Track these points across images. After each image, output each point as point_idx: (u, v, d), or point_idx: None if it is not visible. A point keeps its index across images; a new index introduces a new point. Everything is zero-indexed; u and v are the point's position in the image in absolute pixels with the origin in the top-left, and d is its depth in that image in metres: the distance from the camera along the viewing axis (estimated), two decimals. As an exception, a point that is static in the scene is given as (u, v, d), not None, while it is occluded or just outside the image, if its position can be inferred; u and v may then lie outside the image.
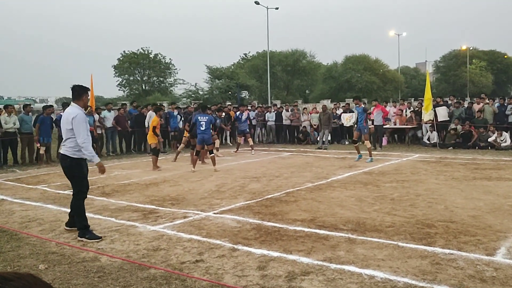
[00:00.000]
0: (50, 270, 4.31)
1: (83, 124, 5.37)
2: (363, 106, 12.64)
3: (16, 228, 5.92)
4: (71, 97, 5.66)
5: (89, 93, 5.74)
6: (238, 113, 16.22)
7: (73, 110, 5.45)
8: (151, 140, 11.63)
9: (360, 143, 12.56)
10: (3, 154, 13.22)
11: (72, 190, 5.70)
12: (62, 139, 5.68)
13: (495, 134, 14.60)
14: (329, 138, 16.95)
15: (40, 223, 6.21)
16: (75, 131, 5.32)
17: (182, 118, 16.56)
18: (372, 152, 12.48)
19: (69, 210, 5.84)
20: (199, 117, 11.05)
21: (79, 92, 5.54)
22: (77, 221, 5.54)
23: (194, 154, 11.32)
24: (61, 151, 5.54)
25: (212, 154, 11.09)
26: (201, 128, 10.83)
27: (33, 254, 4.83)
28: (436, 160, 12.09)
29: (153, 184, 9.21)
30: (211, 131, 11.28)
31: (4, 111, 13.46)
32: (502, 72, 58.77)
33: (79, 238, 5.38)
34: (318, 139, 17.42)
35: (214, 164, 10.92)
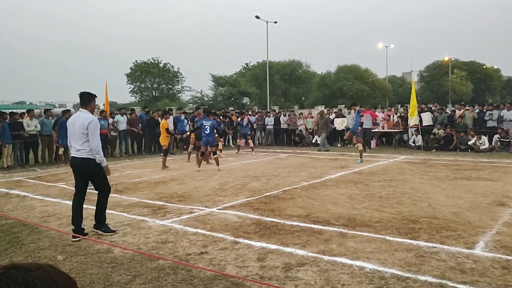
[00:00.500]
0: (67, 261, 4.31)
1: (97, 129, 5.30)
2: (359, 109, 12.67)
3: (36, 222, 5.91)
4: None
5: (96, 99, 5.49)
6: (239, 119, 16.55)
7: (87, 115, 5.31)
8: (163, 142, 11.69)
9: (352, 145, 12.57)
10: (25, 154, 13.25)
11: (97, 190, 5.48)
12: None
13: (475, 138, 14.60)
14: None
15: (58, 217, 6.20)
16: (90, 135, 5.21)
17: (189, 122, 16.54)
18: (362, 154, 12.45)
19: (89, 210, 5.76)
20: (204, 122, 11.06)
21: (88, 99, 5.40)
22: (100, 214, 5.44)
23: (199, 155, 11.31)
24: (80, 154, 5.24)
25: (216, 155, 11.09)
26: (206, 132, 10.84)
27: (52, 246, 4.83)
28: (420, 161, 12.08)
29: (162, 182, 9.20)
30: (215, 134, 11.30)
31: (27, 115, 13.51)
32: (481, 81, 58.70)
33: (94, 230, 5.37)
34: (318, 142, 17.53)
35: (217, 164, 10.94)
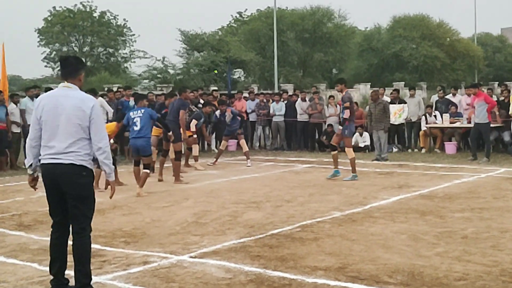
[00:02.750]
0: None
1: (102, 117, 5.33)
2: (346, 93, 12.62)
3: None
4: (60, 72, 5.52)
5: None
6: (218, 112, 16.30)
7: (84, 94, 5.45)
8: None
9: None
10: None
11: (76, 224, 5.32)
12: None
13: None
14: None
15: None
16: (95, 128, 5.25)
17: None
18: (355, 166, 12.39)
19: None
20: (133, 112, 11.22)
21: (76, 67, 5.48)
22: (84, 272, 5.29)
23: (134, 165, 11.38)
24: (67, 159, 5.19)
25: (146, 170, 11.08)
26: (135, 128, 10.96)
27: None
28: (532, 177, 12.09)
29: (97, 212, 9.19)
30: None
31: None
32: None
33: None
34: (361, 144, 17.64)
35: (141, 184, 10.93)
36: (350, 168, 12.36)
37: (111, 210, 9.34)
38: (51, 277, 5.29)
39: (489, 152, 15.28)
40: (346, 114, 12.30)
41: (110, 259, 6.46)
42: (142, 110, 11.07)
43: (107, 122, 12.72)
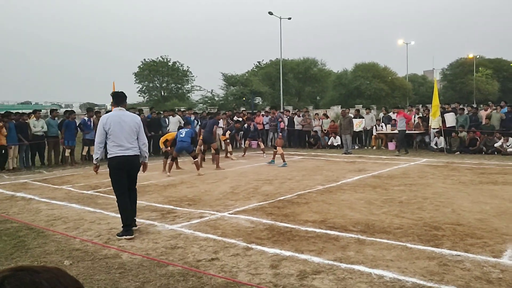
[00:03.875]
0: (74, 266, 4.37)
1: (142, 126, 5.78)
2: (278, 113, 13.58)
3: (42, 226, 6.00)
4: (112, 101, 5.85)
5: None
6: (246, 125, 16.40)
7: (133, 114, 5.76)
8: (161, 144, 12.14)
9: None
10: (31, 156, 13.46)
11: (134, 186, 5.82)
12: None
13: (501, 140, 14.39)
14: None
15: (64, 221, 6.29)
16: (141, 132, 5.65)
17: (199, 123, 16.71)
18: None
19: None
20: (181, 130, 11.41)
21: (124, 98, 5.73)
22: (135, 212, 5.79)
23: (170, 160, 11.31)
24: (133, 152, 5.53)
25: (196, 159, 11.15)
26: (181, 135, 11.01)
27: (59, 251, 4.89)
28: (443, 164, 11.94)
29: (171, 186, 9.26)
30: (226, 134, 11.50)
31: (33, 115, 13.73)
32: (508, 80, 57.64)
33: (135, 228, 5.59)
34: (335, 144, 17.60)
35: (197, 168, 10.97)
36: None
37: (179, 185, 9.38)
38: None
39: (405, 147, 15.28)
40: (282, 125, 13.11)
41: (179, 215, 6.50)
42: (187, 130, 11.18)
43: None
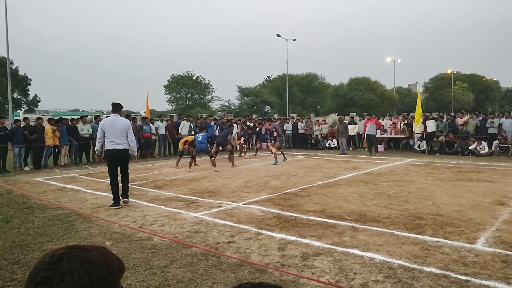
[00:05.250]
0: (114, 246, 4.40)
1: (132, 129, 6.59)
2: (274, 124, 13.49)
3: (88, 213, 6.07)
4: (111, 110, 6.67)
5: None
6: (257, 129, 16.32)
7: (123, 119, 6.57)
8: (180, 145, 12.33)
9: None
10: (79, 155, 13.62)
11: (126, 172, 6.61)
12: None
13: (475, 143, 14.16)
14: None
15: (106, 209, 6.34)
16: (129, 132, 6.44)
17: (218, 128, 16.76)
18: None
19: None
20: (198, 135, 11.32)
21: (118, 107, 6.60)
22: (128, 189, 6.58)
23: (190, 157, 11.35)
24: (122, 146, 6.39)
25: (213, 158, 11.05)
26: (198, 139, 10.93)
27: (101, 233, 4.94)
28: (425, 164, 11.78)
29: (195, 180, 9.30)
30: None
31: (80, 121, 13.91)
32: (481, 92, 56.78)
33: (127, 200, 6.48)
34: (332, 145, 17.53)
35: (214, 165, 10.86)
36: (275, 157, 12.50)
37: (201, 179, 9.41)
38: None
39: (376, 149, 15.03)
40: (275, 134, 13.04)
41: (201, 204, 6.52)
42: (203, 134, 11.12)
43: (189, 135, 13.37)
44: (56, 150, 12.62)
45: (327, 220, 5.32)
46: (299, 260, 3.84)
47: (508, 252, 3.95)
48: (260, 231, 4.86)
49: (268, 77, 53.65)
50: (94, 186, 8.67)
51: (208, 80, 50.90)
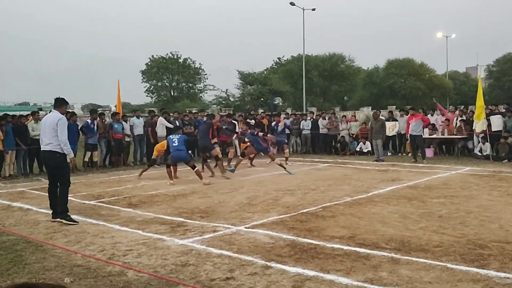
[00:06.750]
0: (75, 284, 4.43)
1: (65, 126, 7.03)
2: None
3: (41, 239, 6.11)
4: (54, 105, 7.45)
5: (68, 106, 7.84)
6: (274, 123, 16.01)
7: (57, 114, 7.07)
8: (155, 151, 12.59)
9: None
10: (29, 163, 13.68)
11: (59, 182, 7.15)
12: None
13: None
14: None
15: (65, 234, 6.38)
16: (59, 131, 6.87)
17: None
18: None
19: (49, 211, 7.38)
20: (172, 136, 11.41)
21: (62, 102, 7.32)
22: (61, 205, 6.98)
23: (167, 167, 11.43)
24: (48, 148, 6.93)
25: (196, 169, 11.00)
26: (174, 144, 10.94)
27: (59, 267, 4.97)
28: (489, 174, 11.73)
29: (181, 196, 9.33)
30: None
31: (31, 117, 13.93)
32: None
33: (54, 219, 6.95)
34: (364, 150, 17.62)
35: (200, 177, 10.87)
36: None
37: (191, 194, 9.43)
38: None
39: (423, 154, 15.00)
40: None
41: (191, 228, 6.53)
42: (178, 137, 11.14)
43: (168, 135, 13.43)
44: (-1, 157, 12.73)
45: (357, 249, 5.32)
46: (321, 303, 3.83)
47: None
48: (268, 263, 4.86)
49: (279, 58, 53.90)
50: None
51: (199, 64, 51.23)
